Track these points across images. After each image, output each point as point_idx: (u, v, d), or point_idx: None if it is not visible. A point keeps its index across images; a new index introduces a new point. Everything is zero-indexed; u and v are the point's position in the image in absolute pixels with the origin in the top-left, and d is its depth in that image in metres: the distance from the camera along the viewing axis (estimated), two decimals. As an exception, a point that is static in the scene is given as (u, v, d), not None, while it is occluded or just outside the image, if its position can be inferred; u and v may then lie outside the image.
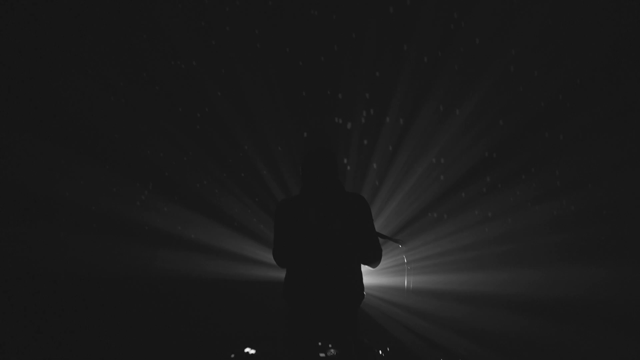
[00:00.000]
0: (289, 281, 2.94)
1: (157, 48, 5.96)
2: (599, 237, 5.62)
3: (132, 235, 5.63)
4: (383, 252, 3.01)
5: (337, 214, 2.90)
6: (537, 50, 5.85)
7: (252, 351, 3.23)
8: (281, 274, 3.03)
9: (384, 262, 4.07)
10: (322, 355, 2.82)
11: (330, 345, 2.83)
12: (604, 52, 5.69)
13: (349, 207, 2.92)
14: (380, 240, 3.51)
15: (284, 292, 2.94)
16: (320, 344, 2.86)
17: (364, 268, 3.01)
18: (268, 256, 4.96)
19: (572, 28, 5.73)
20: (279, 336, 3.17)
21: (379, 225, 4.91)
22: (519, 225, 5.68)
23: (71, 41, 5.80)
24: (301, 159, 3.06)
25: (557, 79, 5.83)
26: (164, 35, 5.94)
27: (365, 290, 2.98)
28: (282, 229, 2.93)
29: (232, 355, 3.13)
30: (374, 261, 3.02)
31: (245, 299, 4.99)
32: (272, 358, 3.25)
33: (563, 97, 5.83)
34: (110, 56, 5.88)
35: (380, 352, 3.92)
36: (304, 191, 2.99)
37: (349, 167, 5.80)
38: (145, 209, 5.74)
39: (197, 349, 4.21)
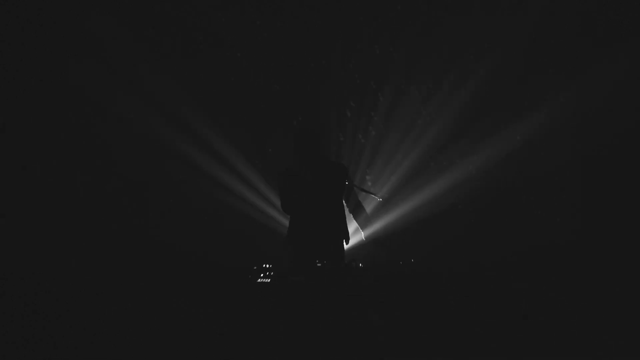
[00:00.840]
0: (292, 225, 3.87)
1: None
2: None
3: None
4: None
5: (323, 177, 3.80)
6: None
7: (269, 265, 3.94)
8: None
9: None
10: (318, 264, 3.70)
11: (325, 262, 3.71)
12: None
13: (332, 171, 3.86)
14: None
15: (287, 234, 3.88)
16: (317, 262, 3.74)
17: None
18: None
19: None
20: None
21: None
22: None
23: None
24: (292, 138, 3.91)
25: None
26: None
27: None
28: (285, 188, 3.84)
29: (255, 267, 3.79)
30: (354, 210, 4.08)
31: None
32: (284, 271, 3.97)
33: None
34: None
35: (360, 264, 4.63)
36: (297, 162, 3.86)
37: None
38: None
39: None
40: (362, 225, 4.32)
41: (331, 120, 6.39)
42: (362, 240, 4.85)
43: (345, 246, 3.96)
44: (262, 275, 3.75)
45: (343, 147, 6.36)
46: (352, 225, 4.27)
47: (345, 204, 4.03)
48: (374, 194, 4.77)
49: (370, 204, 5.45)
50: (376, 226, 5.53)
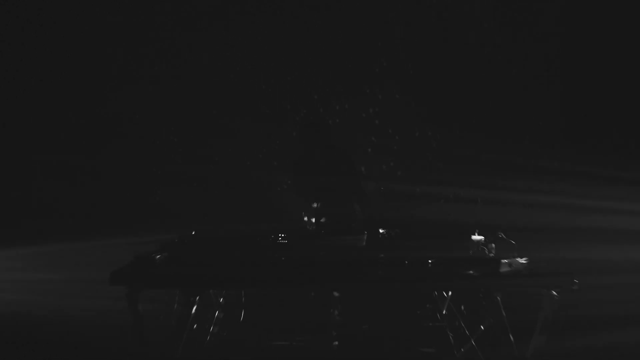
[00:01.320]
0: (306, 208, 4.33)
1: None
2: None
3: None
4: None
5: (330, 164, 4.34)
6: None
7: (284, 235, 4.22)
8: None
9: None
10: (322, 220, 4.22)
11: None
12: None
13: (339, 159, 4.43)
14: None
15: (304, 216, 4.30)
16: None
17: None
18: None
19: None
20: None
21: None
22: None
23: None
24: (301, 130, 4.54)
25: None
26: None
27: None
28: (298, 176, 4.44)
29: (272, 237, 3.99)
30: (357, 194, 4.49)
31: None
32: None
33: None
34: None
35: None
36: (307, 152, 4.43)
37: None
38: None
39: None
40: (362, 205, 4.84)
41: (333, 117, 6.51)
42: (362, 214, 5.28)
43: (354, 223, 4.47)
44: (279, 238, 4.08)
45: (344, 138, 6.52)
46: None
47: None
48: (373, 181, 5.48)
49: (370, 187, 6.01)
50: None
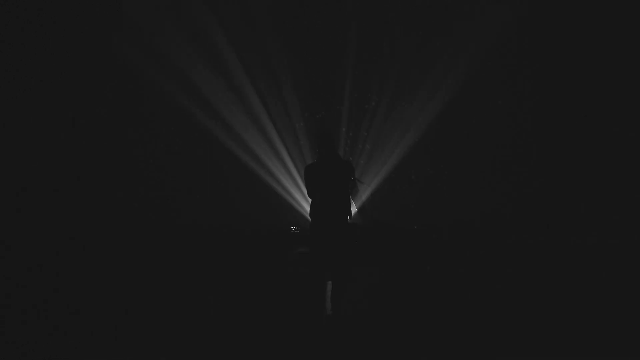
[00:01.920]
0: (312, 205, 5.08)
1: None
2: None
3: None
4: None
5: (336, 170, 5.03)
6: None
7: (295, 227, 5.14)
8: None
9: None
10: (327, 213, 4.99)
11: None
12: None
13: (342, 167, 5.09)
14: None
15: (310, 212, 5.07)
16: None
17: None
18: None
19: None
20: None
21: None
22: None
23: None
24: (314, 141, 5.33)
25: None
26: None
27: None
28: (309, 179, 5.06)
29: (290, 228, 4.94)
30: (354, 195, 5.25)
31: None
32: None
33: None
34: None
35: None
36: (318, 159, 5.08)
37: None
38: None
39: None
40: (356, 203, 5.59)
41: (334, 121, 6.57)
42: (356, 211, 6.07)
43: (349, 219, 5.21)
44: (292, 228, 4.83)
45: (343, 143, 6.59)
46: (353, 206, 5.35)
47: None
48: (364, 182, 6.14)
49: (361, 189, 6.35)
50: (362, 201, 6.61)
